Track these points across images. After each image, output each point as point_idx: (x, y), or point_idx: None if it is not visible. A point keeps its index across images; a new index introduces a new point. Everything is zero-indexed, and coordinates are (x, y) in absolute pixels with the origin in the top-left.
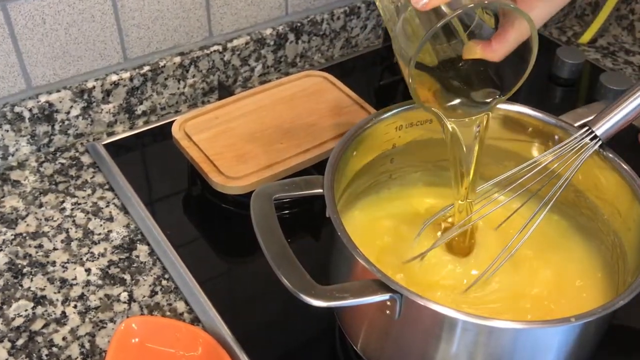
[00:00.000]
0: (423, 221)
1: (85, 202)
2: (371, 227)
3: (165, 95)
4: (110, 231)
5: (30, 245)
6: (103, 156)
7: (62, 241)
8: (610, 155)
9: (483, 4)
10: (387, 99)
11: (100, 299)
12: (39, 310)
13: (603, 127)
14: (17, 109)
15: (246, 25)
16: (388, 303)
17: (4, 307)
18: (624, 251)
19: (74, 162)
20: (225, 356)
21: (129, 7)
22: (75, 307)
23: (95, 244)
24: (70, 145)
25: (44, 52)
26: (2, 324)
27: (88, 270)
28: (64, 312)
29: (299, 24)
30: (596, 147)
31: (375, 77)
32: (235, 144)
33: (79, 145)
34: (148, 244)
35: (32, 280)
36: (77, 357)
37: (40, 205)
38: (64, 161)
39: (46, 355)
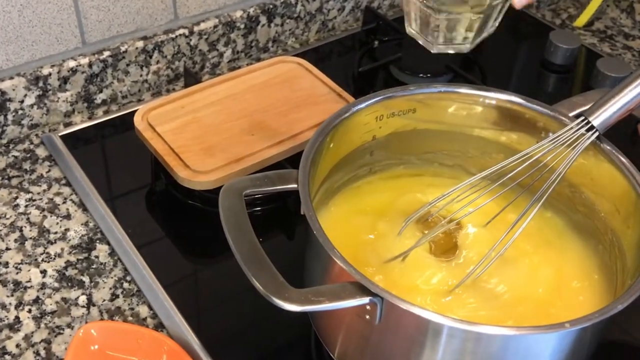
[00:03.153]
0: (405, 218)
1: (41, 199)
2: (349, 225)
3: (127, 83)
4: (67, 230)
5: None
6: (60, 149)
7: (15, 240)
8: (608, 147)
9: None
10: (367, 86)
11: (56, 302)
12: None
13: (600, 117)
14: None
15: (214, 7)
16: (367, 307)
17: None
18: (622, 251)
19: (28, 155)
20: None
21: None
22: (29, 311)
23: (52, 243)
24: (24, 137)
25: None
26: None
27: (44, 272)
28: (17, 317)
29: (271, 6)
30: (592, 138)
31: (354, 63)
32: (203, 135)
33: (33, 136)
34: (108, 244)
35: None
36: None
37: None
38: (17, 154)
39: None
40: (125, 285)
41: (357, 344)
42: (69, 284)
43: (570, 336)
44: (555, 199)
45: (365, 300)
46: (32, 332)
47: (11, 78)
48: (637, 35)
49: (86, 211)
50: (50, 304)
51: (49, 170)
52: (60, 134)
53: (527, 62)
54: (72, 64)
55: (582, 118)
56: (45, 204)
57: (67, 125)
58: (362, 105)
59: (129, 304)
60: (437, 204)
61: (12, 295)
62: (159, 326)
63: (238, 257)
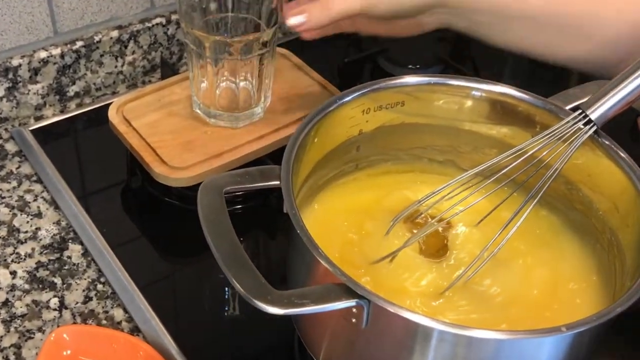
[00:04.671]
0: (393, 217)
1: (10, 196)
2: (334, 224)
3: (101, 75)
4: (38, 229)
5: None
6: (30, 143)
7: None
8: (607, 142)
9: None
10: (353, 78)
11: (27, 305)
12: None
13: (598, 111)
14: None
15: None
16: (354, 310)
17: None
18: (621, 251)
19: None
20: None
21: None
22: None
23: (22, 243)
24: None
25: None
26: None
27: (13, 273)
28: None
29: None
30: (590, 132)
31: (340, 54)
32: (181, 129)
33: (2, 131)
34: (81, 244)
35: None
36: None
37: None
38: None
39: None
40: (99, 287)
41: (342, 348)
42: (40, 286)
43: (566, 341)
44: (551, 197)
45: (352, 302)
46: (1, 337)
47: None
48: None
49: (58, 209)
50: (20, 307)
51: (18, 167)
52: (30, 128)
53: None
54: (43, 54)
55: (579, 111)
56: (15, 201)
57: (38, 119)
58: (348, 98)
59: (103, 307)
60: (426, 202)
61: None
62: (135, 330)
63: (218, 257)
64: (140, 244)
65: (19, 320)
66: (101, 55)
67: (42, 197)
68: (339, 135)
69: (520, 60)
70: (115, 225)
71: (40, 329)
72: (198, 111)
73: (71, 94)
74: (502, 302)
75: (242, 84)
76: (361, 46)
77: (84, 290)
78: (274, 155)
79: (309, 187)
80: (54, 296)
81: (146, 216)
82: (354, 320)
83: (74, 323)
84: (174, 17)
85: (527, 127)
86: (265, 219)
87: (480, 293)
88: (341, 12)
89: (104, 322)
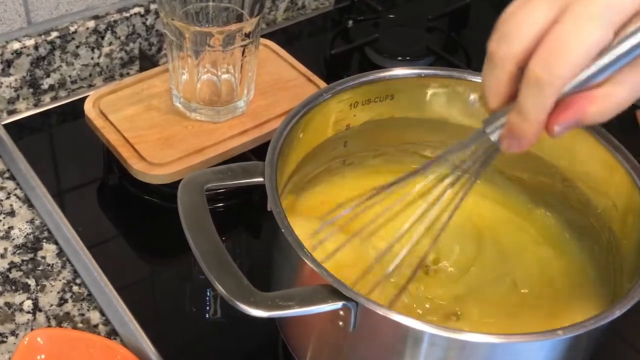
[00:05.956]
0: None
1: None
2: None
3: (76, 67)
4: (11, 228)
5: None
6: (3, 139)
7: None
8: (605, 137)
9: None
10: (340, 70)
11: None
12: None
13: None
14: None
15: None
16: (341, 312)
17: None
18: (620, 251)
19: None
20: None
21: None
22: None
23: None
24: None
25: None
26: None
27: None
28: None
29: None
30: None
31: (326, 45)
32: (160, 124)
33: None
34: (56, 243)
35: None
36: None
37: None
38: None
39: None
40: (75, 288)
41: (329, 352)
42: (13, 288)
43: (563, 344)
44: (547, 195)
45: (338, 305)
46: None
47: None
48: None
49: (32, 207)
50: None
51: None
52: (3, 123)
53: None
54: (16, 45)
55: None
56: None
57: (10, 113)
58: (335, 91)
59: (78, 309)
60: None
61: None
62: (112, 333)
63: (199, 258)
64: (117, 243)
65: None
66: (77, 47)
67: (15, 195)
68: (326, 130)
69: None
70: (91, 224)
71: (13, 333)
72: (178, 105)
73: (45, 87)
74: (500, 304)
75: (224, 76)
76: (349, 37)
77: (58, 292)
78: (258, 151)
79: (294, 184)
80: (28, 298)
81: (124, 214)
82: (341, 323)
83: (49, 326)
84: (152, 6)
85: None
86: (249, 217)
87: (477, 293)
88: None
89: (80, 325)
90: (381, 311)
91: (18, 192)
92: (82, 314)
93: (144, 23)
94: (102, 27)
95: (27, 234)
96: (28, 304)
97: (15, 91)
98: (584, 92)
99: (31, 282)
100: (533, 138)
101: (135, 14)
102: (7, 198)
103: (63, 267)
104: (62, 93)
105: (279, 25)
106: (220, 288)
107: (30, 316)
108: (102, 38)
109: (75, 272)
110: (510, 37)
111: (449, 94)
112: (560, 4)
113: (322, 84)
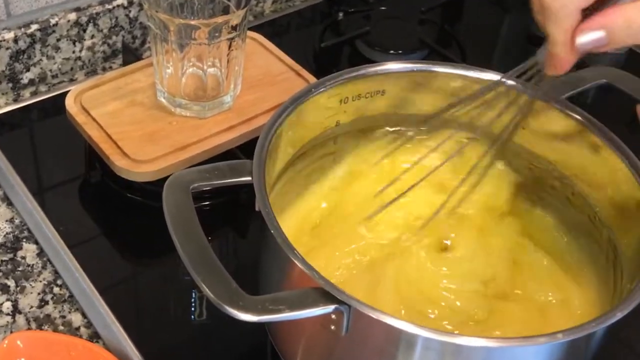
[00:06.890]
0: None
1: None
2: (311, 222)
3: (57, 61)
4: None
5: None
6: None
7: None
8: (602, 131)
9: None
10: (330, 65)
11: None
12: None
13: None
14: None
15: None
16: (333, 316)
17: None
18: (620, 251)
19: None
20: None
21: None
22: None
23: None
24: None
25: None
26: None
27: None
28: None
29: None
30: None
31: (315, 38)
32: (144, 120)
33: None
34: (36, 243)
35: None
36: None
37: None
38: None
39: None
40: (56, 290)
41: (320, 357)
42: None
43: (562, 348)
44: (545, 193)
45: (330, 308)
46: None
47: None
48: None
49: (11, 206)
50: None
51: None
52: None
53: (512, 36)
54: None
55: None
56: None
57: None
58: (325, 87)
59: (60, 312)
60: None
61: None
62: (94, 336)
63: (185, 259)
64: (100, 243)
65: None
66: (58, 40)
67: None
68: (315, 127)
69: (511, 45)
70: (73, 223)
71: None
72: (163, 100)
73: (25, 81)
74: (497, 306)
75: (210, 70)
76: (339, 30)
77: (39, 294)
78: (245, 148)
79: (283, 182)
80: (7, 300)
81: (106, 213)
82: (332, 327)
83: (29, 329)
84: None
85: None
86: (236, 217)
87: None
88: None
89: (61, 327)
90: (375, 314)
91: None
92: (64, 316)
93: (127, 15)
94: (83, 19)
95: (7, 233)
96: (7, 306)
97: None
98: (614, 5)
99: (11, 283)
100: (565, 57)
101: (118, 6)
102: None
103: (44, 267)
104: (43, 88)
105: (266, 18)
106: (207, 291)
107: (9, 318)
108: (84, 31)
109: (56, 273)
110: None
111: (443, 89)
112: None
113: (312, 78)
